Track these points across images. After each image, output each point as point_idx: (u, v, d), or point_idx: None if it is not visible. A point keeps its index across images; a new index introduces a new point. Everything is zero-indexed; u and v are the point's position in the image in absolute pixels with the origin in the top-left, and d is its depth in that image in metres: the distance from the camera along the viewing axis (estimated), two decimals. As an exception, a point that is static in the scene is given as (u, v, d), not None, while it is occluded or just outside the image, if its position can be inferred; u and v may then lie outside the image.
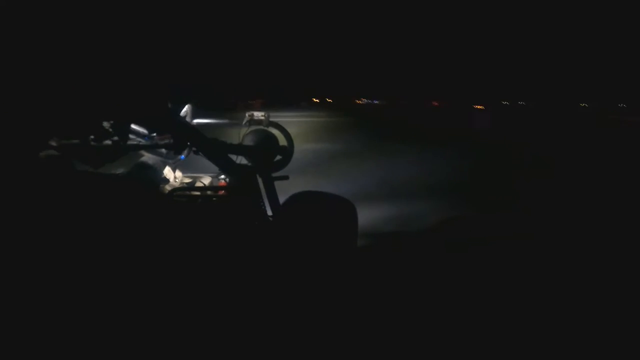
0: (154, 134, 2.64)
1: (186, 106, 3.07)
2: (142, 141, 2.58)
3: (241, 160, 2.78)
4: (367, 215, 3.80)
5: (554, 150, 11.53)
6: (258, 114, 2.97)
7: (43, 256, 2.13)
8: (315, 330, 2.41)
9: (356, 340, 2.36)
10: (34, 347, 2.05)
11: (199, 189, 2.67)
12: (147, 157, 2.77)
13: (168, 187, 2.62)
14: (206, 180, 2.85)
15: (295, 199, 2.83)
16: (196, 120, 3.07)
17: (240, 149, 2.77)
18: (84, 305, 2.17)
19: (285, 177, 2.89)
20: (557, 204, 5.65)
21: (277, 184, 2.79)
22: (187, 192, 2.58)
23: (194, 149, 2.63)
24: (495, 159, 9.92)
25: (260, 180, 2.76)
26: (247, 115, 2.97)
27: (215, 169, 2.78)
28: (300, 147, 3.24)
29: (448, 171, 7.80)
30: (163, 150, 2.70)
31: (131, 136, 2.56)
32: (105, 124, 2.41)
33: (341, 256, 2.80)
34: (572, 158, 10.22)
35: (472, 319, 2.64)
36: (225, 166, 2.68)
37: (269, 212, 2.75)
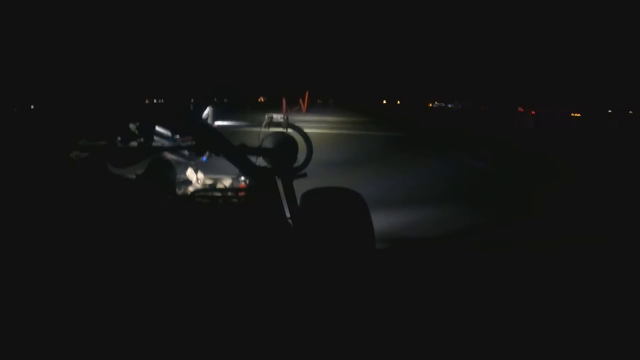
0: (177, 136, 2.71)
1: (207, 109, 3.14)
2: (166, 143, 2.66)
3: (261, 162, 2.82)
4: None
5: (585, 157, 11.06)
6: (277, 117, 3.02)
7: (66, 251, 2.20)
8: (332, 332, 2.44)
9: (380, 345, 2.38)
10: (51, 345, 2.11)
11: (220, 190, 2.73)
12: (163, 155, 2.84)
13: (190, 189, 2.68)
14: (227, 182, 2.90)
15: (310, 198, 2.83)
16: (217, 123, 3.14)
17: (260, 151, 2.81)
18: (105, 303, 2.22)
19: (304, 175, 2.90)
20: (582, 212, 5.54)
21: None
22: (209, 194, 2.63)
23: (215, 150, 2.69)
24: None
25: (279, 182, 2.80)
26: (266, 117, 3.02)
27: (236, 170, 2.83)
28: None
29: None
30: (185, 151, 2.76)
31: (155, 138, 2.64)
32: (132, 126, 2.49)
33: (362, 257, 2.80)
34: (600, 165, 9.84)
35: (483, 325, 2.64)
36: (245, 168, 2.73)
37: (287, 214, 2.79)
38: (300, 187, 2.80)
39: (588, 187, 7.19)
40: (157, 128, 2.66)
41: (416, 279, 3.29)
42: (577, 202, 6.00)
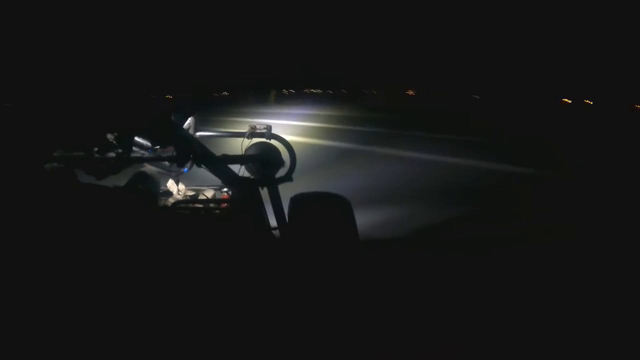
0: (157, 147, 2.64)
1: (189, 118, 3.08)
2: (146, 153, 2.59)
3: (243, 172, 2.78)
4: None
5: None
6: (260, 127, 2.98)
7: (45, 266, 2.12)
8: (321, 343, 2.39)
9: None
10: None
11: (201, 201, 2.67)
12: (147, 168, 2.77)
13: (171, 200, 2.62)
14: (209, 193, 2.85)
15: (297, 205, 2.79)
16: (199, 133, 3.09)
17: (242, 160, 2.77)
18: (82, 318, 2.14)
19: (290, 179, 2.85)
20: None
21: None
22: (190, 205, 2.58)
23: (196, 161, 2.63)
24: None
25: (264, 192, 2.75)
26: (249, 127, 2.98)
27: (218, 181, 2.78)
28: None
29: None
30: (166, 162, 2.70)
31: (134, 148, 2.57)
32: (110, 136, 2.41)
33: (348, 262, 2.75)
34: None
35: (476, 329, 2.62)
36: (227, 178, 2.68)
37: (273, 224, 2.74)
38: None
39: None
40: (137, 138, 2.59)
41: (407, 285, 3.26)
42: None
